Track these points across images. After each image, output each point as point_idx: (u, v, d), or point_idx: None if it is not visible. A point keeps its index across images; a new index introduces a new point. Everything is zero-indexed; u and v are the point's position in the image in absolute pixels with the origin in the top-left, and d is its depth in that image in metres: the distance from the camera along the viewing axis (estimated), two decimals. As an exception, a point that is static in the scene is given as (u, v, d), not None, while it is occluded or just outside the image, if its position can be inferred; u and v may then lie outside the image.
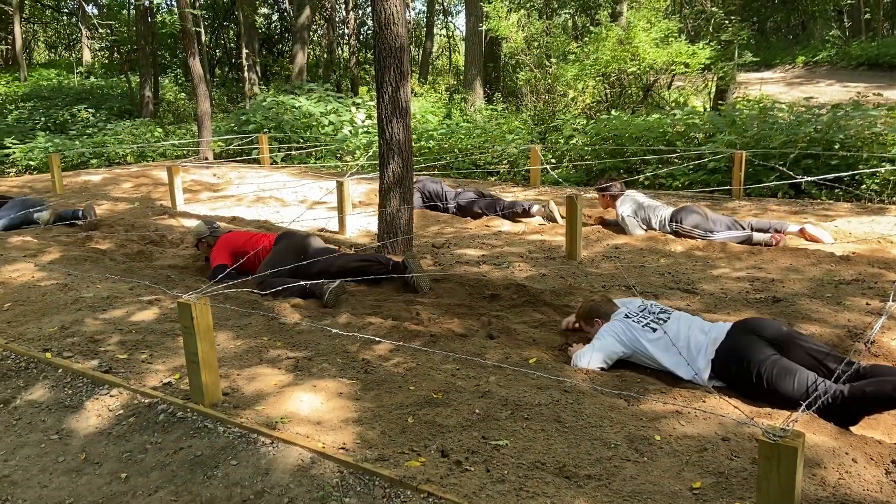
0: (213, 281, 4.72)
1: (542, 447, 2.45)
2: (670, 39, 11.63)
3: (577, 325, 3.69)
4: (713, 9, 13.17)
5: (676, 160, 8.40)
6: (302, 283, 4.39)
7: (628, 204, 6.07)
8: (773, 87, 15.52)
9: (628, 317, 3.32)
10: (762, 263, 4.86)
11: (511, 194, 8.03)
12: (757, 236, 5.41)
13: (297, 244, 4.85)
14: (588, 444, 2.46)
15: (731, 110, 9.19)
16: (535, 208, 6.78)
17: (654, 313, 3.30)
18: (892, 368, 2.79)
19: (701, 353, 3.03)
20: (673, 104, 12.16)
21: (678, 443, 2.47)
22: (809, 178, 6.64)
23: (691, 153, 8.24)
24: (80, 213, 6.87)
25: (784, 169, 7.04)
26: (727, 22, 12.37)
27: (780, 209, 6.53)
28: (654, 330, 3.18)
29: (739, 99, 11.35)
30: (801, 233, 5.46)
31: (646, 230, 5.95)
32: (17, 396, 3.17)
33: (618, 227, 6.13)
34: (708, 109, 11.67)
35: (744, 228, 5.51)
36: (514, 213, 6.83)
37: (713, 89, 12.90)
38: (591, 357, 3.20)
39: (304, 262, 4.68)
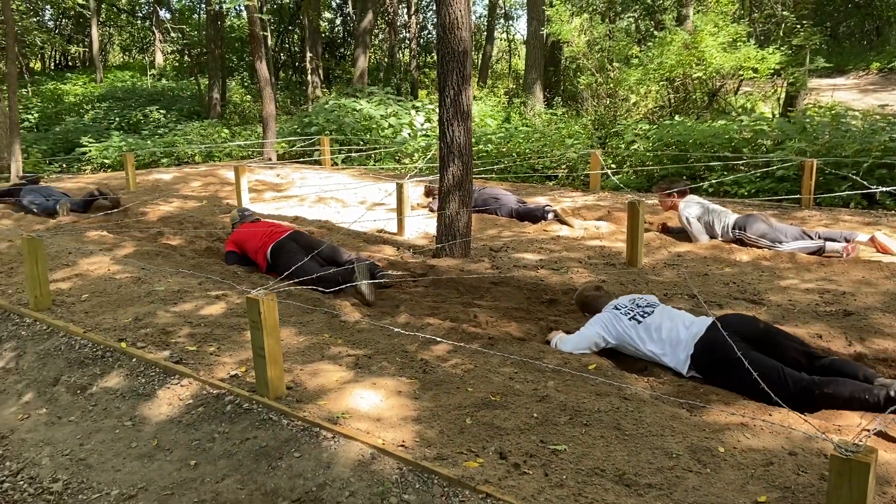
0: (227, 264, 5.34)
1: (602, 454, 2.43)
2: (738, 44, 11.34)
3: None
4: (784, 13, 12.79)
5: (743, 167, 8.19)
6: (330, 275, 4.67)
7: (693, 207, 5.91)
8: (845, 94, 14.95)
9: (617, 308, 3.55)
10: (833, 275, 4.70)
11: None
12: (830, 246, 5.20)
13: (307, 244, 5.08)
14: (649, 453, 2.43)
15: (801, 117, 8.91)
16: (550, 215, 6.86)
17: (641, 306, 3.52)
18: (854, 369, 2.95)
19: (681, 346, 3.24)
20: (740, 110, 11.86)
21: (743, 455, 2.42)
22: (884, 189, 6.38)
23: (758, 160, 8.03)
24: (97, 192, 8.01)
25: (857, 178, 6.79)
26: (799, 26, 12.00)
27: (852, 220, 6.30)
28: (640, 322, 3.42)
29: (810, 105, 10.99)
30: (872, 241, 5.26)
31: (710, 238, 5.80)
32: (94, 383, 3.33)
33: (680, 234, 6.01)
34: (777, 116, 11.33)
35: (813, 239, 5.33)
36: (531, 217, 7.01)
37: (782, 95, 12.52)
38: (576, 343, 3.50)
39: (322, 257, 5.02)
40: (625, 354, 3.49)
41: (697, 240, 5.77)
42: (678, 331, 3.29)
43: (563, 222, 6.71)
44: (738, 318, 3.30)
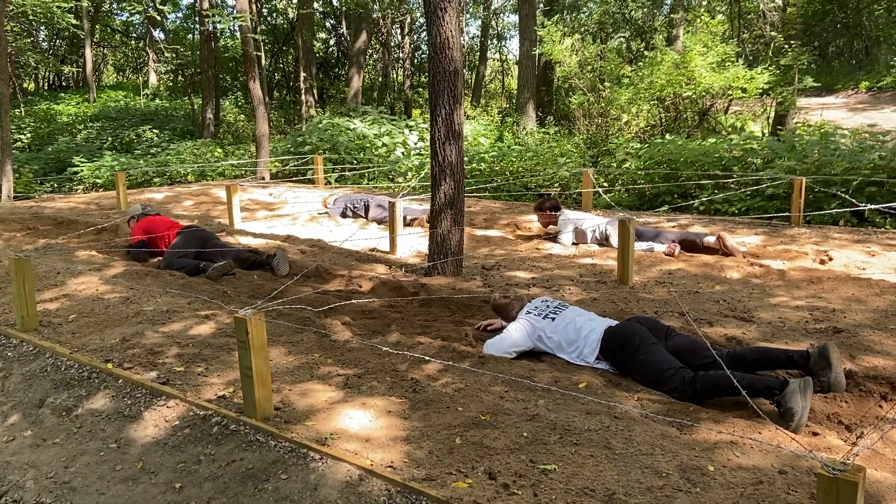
0: (135, 252, 6.18)
1: (591, 473, 2.42)
2: (728, 64, 11.46)
3: (489, 325, 4.25)
4: (773, 33, 12.94)
5: (733, 186, 8.24)
6: (194, 261, 5.65)
7: (570, 222, 6.80)
8: (835, 113, 15.10)
9: (529, 312, 3.89)
10: (822, 293, 4.72)
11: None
12: (657, 247, 6.10)
13: (200, 235, 6.05)
14: (639, 473, 2.41)
15: (790, 136, 8.98)
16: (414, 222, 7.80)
17: (551, 307, 3.89)
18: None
19: (590, 339, 3.62)
20: (730, 129, 11.95)
21: (732, 474, 2.40)
22: (873, 206, 6.42)
23: (748, 179, 8.08)
24: None
25: (846, 196, 6.83)
26: (787, 46, 12.14)
27: (841, 237, 6.33)
28: (553, 319, 3.78)
29: (800, 124, 11.09)
30: (718, 241, 5.91)
31: (577, 243, 6.67)
32: (80, 405, 3.29)
33: (554, 237, 6.88)
34: (766, 135, 11.42)
35: (669, 238, 6.13)
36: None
37: (772, 114, 12.64)
38: (503, 347, 3.77)
39: (206, 250, 5.87)
40: (544, 353, 3.80)
41: (564, 243, 6.67)
42: (588, 325, 3.68)
43: (420, 225, 7.68)
44: (643, 317, 3.79)
